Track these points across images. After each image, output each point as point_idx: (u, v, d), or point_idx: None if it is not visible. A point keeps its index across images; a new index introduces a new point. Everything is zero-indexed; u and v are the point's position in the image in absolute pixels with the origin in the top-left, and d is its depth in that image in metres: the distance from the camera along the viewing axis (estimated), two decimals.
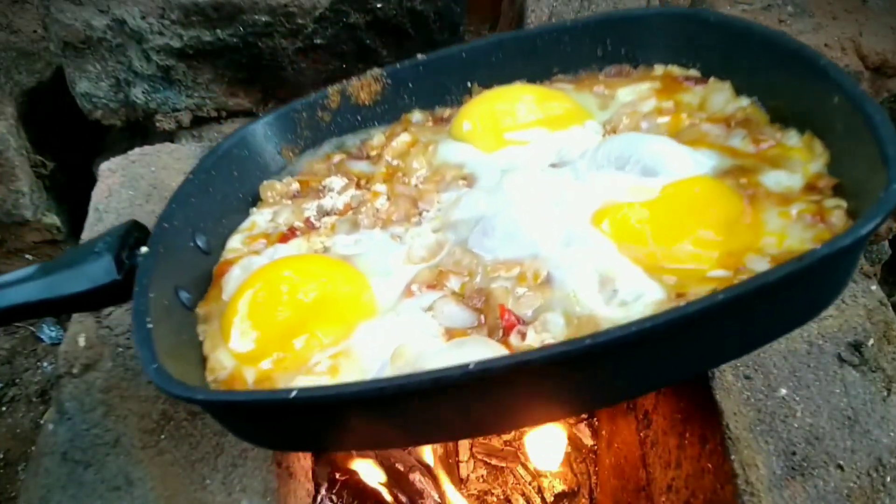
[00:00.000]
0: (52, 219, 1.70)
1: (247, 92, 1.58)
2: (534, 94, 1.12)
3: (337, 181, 1.09)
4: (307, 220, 1.04)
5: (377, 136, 1.17)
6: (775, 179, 0.87)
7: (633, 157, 0.91)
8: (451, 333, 0.80)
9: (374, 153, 1.15)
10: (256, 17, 1.41)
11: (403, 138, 1.14)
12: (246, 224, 1.06)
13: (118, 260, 0.88)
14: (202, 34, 1.44)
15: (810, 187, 0.86)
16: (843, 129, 0.86)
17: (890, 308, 1.17)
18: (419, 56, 1.19)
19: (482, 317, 0.80)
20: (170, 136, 1.60)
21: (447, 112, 1.19)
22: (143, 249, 0.90)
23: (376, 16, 1.45)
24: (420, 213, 1.00)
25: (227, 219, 1.06)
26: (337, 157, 1.15)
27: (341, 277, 0.91)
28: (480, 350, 0.74)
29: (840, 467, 1.00)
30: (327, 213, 1.06)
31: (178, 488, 0.97)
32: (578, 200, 0.90)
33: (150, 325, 0.79)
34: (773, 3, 1.48)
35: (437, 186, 1.03)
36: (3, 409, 1.64)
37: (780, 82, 0.98)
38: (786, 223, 0.82)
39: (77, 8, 1.34)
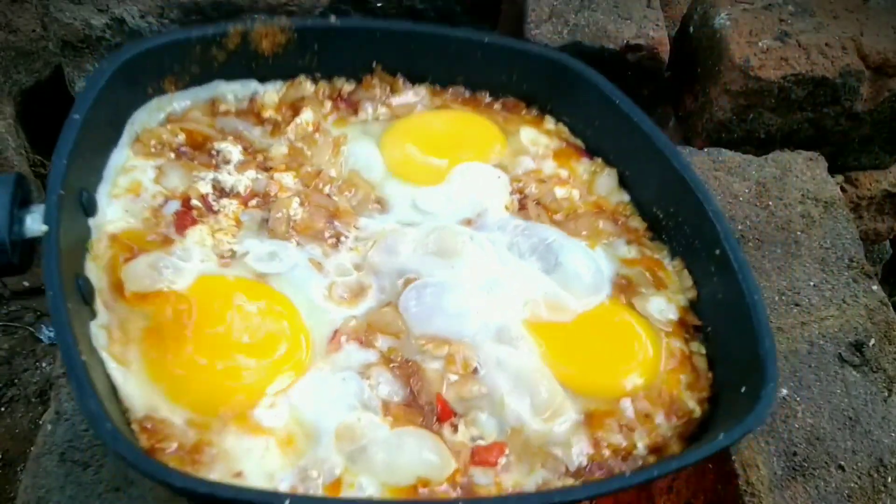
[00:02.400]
0: None
1: None
2: (445, 123, 1.15)
3: (233, 150, 1.01)
4: (204, 198, 0.96)
5: (269, 94, 1.10)
6: (658, 307, 0.99)
7: (548, 255, 1.00)
8: (387, 407, 0.85)
9: (267, 115, 1.08)
10: (256, 16, 1.40)
11: (307, 117, 1.07)
12: (125, 182, 0.95)
13: (12, 241, 0.78)
14: None
15: (681, 322, 0.98)
16: (722, 295, 0.95)
17: (891, 308, 1.17)
18: (333, 18, 1.13)
19: (418, 396, 0.86)
20: None
21: (345, 87, 1.14)
22: (43, 228, 0.78)
23: (375, 14, 1.45)
24: (337, 235, 0.97)
25: (101, 159, 0.96)
26: (223, 107, 1.07)
27: (286, 327, 0.88)
28: (425, 447, 0.82)
29: (841, 468, 1.00)
30: (226, 194, 0.98)
31: None
32: (504, 292, 0.95)
33: (83, 359, 0.72)
34: (774, 3, 1.48)
35: (351, 202, 1.02)
36: (2, 409, 1.63)
37: (664, 200, 1.06)
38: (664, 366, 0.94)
39: (76, 7, 1.34)
